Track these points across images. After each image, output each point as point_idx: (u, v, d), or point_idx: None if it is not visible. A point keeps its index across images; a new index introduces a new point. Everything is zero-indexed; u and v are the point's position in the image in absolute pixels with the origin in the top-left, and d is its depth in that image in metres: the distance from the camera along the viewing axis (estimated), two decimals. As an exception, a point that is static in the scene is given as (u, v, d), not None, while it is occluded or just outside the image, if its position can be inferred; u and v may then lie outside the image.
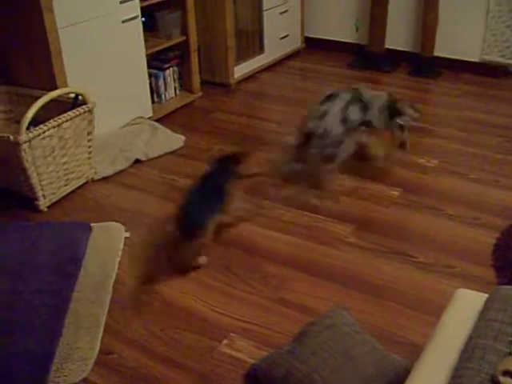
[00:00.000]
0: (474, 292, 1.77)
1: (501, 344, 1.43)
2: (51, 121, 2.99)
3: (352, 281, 2.58)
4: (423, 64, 4.95)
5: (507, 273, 2.57)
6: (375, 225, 2.97)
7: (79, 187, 3.32)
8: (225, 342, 2.27)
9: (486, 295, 1.68)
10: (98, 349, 2.25)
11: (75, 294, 2.49)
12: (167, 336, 2.31)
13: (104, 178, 3.41)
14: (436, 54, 4.92)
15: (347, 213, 3.06)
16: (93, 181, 3.38)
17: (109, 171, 3.44)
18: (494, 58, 4.75)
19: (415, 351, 2.16)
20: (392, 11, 4.99)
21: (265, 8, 4.81)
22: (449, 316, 1.67)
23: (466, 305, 1.69)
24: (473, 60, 4.87)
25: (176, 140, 3.78)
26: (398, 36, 5.13)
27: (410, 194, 3.20)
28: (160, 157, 3.64)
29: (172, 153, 3.69)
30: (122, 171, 3.48)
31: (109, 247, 2.80)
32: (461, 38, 4.86)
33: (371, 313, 2.40)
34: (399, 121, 3.29)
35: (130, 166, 3.53)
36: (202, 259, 2.67)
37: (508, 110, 4.23)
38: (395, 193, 3.22)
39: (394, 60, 5.12)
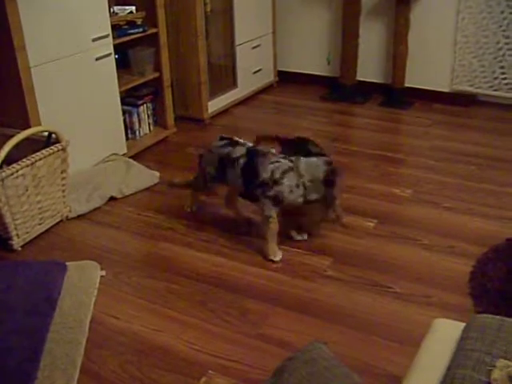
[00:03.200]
0: (452, 321, 1.77)
1: (479, 373, 1.43)
2: (24, 160, 2.97)
3: (330, 314, 2.57)
4: (395, 95, 5.02)
5: (484, 301, 2.58)
6: (352, 257, 2.97)
7: (54, 226, 3.29)
8: (203, 379, 2.24)
9: (464, 324, 1.68)
10: (74, 391, 2.21)
11: (50, 335, 2.45)
12: (144, 375, 2.27)
13: (79, 216, 3.39)
14: (407, 84, 5.01)
15: (324, 246, 3.06)
16: (67, 219, 3.36)
17: (83, 209, 3.41)
18: (464, 87, 4.84)
19: (395, 383, 2.15)
20: (363, 44, 5.08)
21: (237, 43, 4.87)
22: (427, 346, 1.67)
23: (444, 335, 1.70)
24: (443, 90, 4.95)
25: (151, 176, 3.77)
26: (370, 68, 5.21)
27: (385, 225, 3.22)
28: (135, 194, 3.62)
29: (147, 189, 3.68)
30: (96, 209, 3.45)
31: (84, 286, 2.76)
32: (430, 68, 4.95)
33: (350, 345, 2.39)
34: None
35: (105, 204, 3.51)
36: None
37: (479, 139, 4.30)
38: (371, 224, 3.23)
39: (365, 92, 5.19)
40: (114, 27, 3.78)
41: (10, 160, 2.92)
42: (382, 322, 2.51)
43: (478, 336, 1.56)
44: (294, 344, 2.38)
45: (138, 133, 4.28)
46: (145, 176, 3.76)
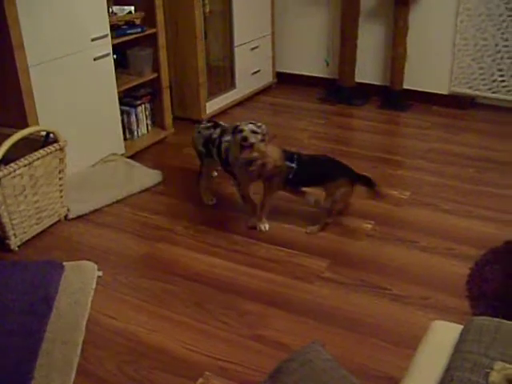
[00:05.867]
0: (450, 323, 1.77)
1: (477, 376, 1.43)
2: (22, 159, 2.96)
3: (328, 316, 2.57)
4: (393, 97, 5.02)
5: (481, 303, 2.58)
6: (349, 259, 2.97)
7: (51, 226, 3.28)
8: (200, 380, 2.23)
9: (462, 326, 1.68)
10: (70, 391, 2.20)
11: (47, 335, 2.44)
12: (141, 376, 2.27)
13: (77, 217, 3.37)
14: (405, 86, 5.01)
15: (321, 247, 3.06)
16: (67, 219, 3.35)
17: (83, 210, 3.40)
18: (462, 89, 4.84)
19: (392, 385, 2.15)
20: (361, 46, 5.07)
21: (236, 44, 4.86)
22: (425, 348, 1.67)
23: (441, 337, 1.69)
24: (441, 92, 4.95)
25: (155, 175, 3.77)
26: (368, 70, 5.21)
27: (383, 227, 3.22)
28: (133, 194, 3.61)
29: (146, 190, 3.67)
30: (95, 209, 3.44)
31: (81, 286, 2.75)
32: (429, 71, 4.95)
33: (347, 347, 2.38)
34: None
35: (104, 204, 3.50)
36: None
37: (477, 141, 4.30)
38: (368, 226, 3.23)
39: (364, 93, 5.19)
40: (112, 27, 3.77)
41: (7, 159, 2.91)
42: (380, 323, 2.51)
43: (476, 338, 1.56)
44: (291, 345, 2.38)
45: (136, 133, 4.27)
46: (149, 175, 3.75)
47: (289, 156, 3.14)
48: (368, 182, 3.17)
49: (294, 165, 3.12)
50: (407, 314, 2.56)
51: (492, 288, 2.66)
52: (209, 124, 3.44)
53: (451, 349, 1.59)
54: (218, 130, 3.34)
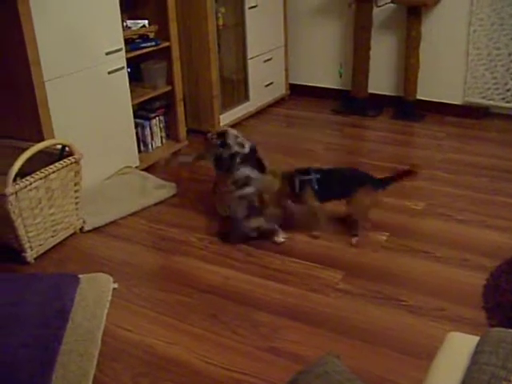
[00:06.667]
0: (466, 335, 1.76)
1: (494, 388, 1.42)
2: (38, 172, 2.99)
3: (343, 327, 2.56)
4: (407, 108, 5.02)
5: (498, 314, 2.56)
6: (364, 270, 2.96)
7: (67, 238, 3.30)
8: (216, 392, 2.24)
9: (478, 338, 1.67)
10: (86, 404, 2.21)
11: (63, 347, 2.44)
12: (157, 388, 2.28)
13: (92, 229, 3.39)
14: (419, 97, 5.00)
15: (336, 259, 3.06)
16: (82, 232, 3.37)
17: (100, 222, 3.42)
18: (476, 99, 4.83)
19: (409, 397, 2.14)
20: (374, 57, 5.08)
21: (249, 56, 4.88)
22: (441, 360, 1.66)
23: (457, 348, 1.68)
24: (455, 102, 4.94)
25: (169, 188, 3.79)
26: (381, 81, 5.21)
27: (397, 238, 3.21)
28: (148, 207, 3.63)
29: (160, 202, 3.68)
30: (110, 222, 3.46)
31: (97, 299, 2.76)
32: (442, 81, 4.95)
33: (362, 359, 2.37)
34: None
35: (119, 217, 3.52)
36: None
37: (491, 151, 4.28)
38: (383, 237, 3.22)
39: (377, 104, 5.19)
40: (126, 41, 3.81)
41: (23, 173, 2.94)
42: (395, 335, 2.50)
43: (493, 350, 1.55)
44: (306, 357, 2.37)
45: (150, 146, 4.29)
46: (163, 188, 3.77)
47: (303, 171, 3.22)
48: (392, 179, 3.24)
49: (312, 176, 3.17)
50: (423, 326, 2.55)
51: (508, 299, 2.64)
52: (218, 141, 3.40)
53: (467, 360, 1.58)
54: (227, 152, 3.34)
